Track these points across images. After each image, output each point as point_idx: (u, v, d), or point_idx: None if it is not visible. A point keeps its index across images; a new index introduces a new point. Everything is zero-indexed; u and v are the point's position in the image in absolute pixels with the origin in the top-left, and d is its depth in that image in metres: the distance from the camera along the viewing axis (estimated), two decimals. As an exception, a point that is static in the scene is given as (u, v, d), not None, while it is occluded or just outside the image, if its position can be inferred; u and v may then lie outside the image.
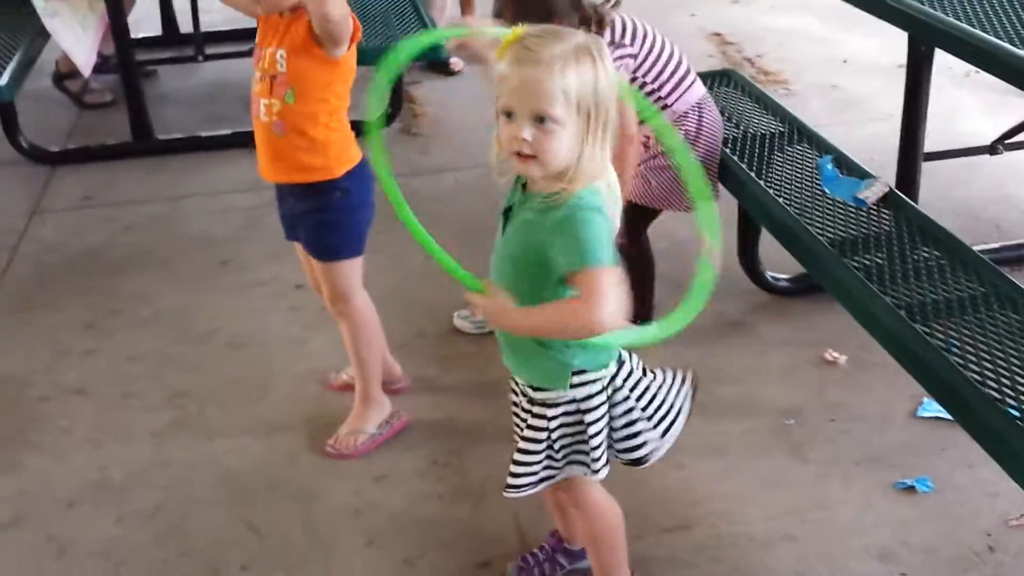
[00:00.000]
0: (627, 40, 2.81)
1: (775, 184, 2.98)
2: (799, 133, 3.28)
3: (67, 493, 2.62)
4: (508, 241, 1.83)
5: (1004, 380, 2.08)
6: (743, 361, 3.04)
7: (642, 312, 3.09)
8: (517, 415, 1.97)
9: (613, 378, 1.89)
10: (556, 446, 1.91)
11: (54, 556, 2.42)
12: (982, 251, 2.63)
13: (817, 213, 2.82)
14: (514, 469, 1.93)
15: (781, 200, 2.88)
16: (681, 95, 2.89)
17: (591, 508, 2.05)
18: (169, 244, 3.87)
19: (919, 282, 2.46)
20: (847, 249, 2.63)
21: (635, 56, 2.82)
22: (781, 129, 3.31)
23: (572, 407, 1.89)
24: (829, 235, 2.70)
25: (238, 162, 4.24)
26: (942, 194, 3.77)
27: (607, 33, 2.75)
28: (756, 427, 2.75)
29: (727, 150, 3.15)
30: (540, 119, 1.63)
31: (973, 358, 2.16)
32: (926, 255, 2.58)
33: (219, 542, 2.44)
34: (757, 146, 3.21)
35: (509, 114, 1.66)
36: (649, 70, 2.86)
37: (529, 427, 1.91)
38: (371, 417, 2.70)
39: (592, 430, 1.89)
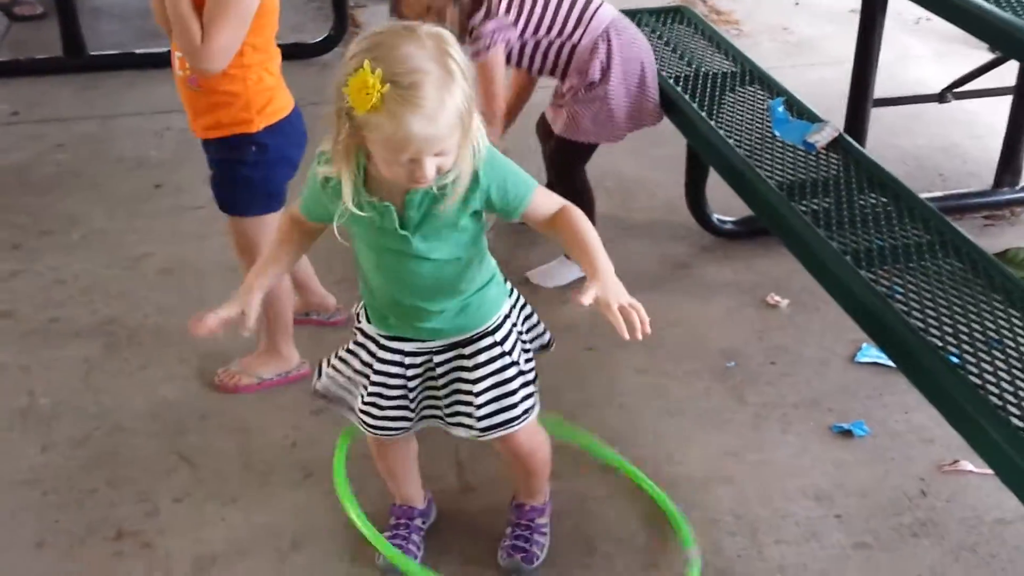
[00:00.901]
0: (503, 9, 2.76)
1: (725, 125, 2.95)
2: (751, 74, 3.25)
3: (-8, 419, 2.54)
4: (436, 249, 1.78)
5: (947, 327, 2.09)
6: (687, 303, 3.03)
7: None
8: (460, 377, 1.93)
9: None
10: (524, 367, 1.95)
11: (-23, 484, 2.35)
12: (926, 199, 2.63)
13: (767, 155, 2.80)
14: (512, 413, 1.92)
15: (731, 141, 2.85)
16: (586, 28, 2.84)
17: (540, 441, 2.07)
18: (101, 165, 3.74)
19: (866, 228, 2.46)
20: (795, 193, 2.61)
21: (516, 24, 2.78)
22: (733, 69, 3.28)
23: (509, 325, 1.93)
24: (778, 178, 2.68)
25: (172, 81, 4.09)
26: (888, 141, 3.79)
27: (483, 8, 2.72)
28: (697, 369, 2.75)
29: (678, 88, 3.10)
30: (438, 153, 1.62)
31: (917, 305, 2.17)
32: (873, 201, 2.58)
33: (151, 472, 2.38)
34: (708, 85, 3.17)
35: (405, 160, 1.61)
36: (539, 26, 2.81)
37: (494, 371, 1.90)
38: (270, 366, 2.65)
39: (527, 338, 1.99)
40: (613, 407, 2.59)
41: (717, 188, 3.15)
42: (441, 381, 1.93)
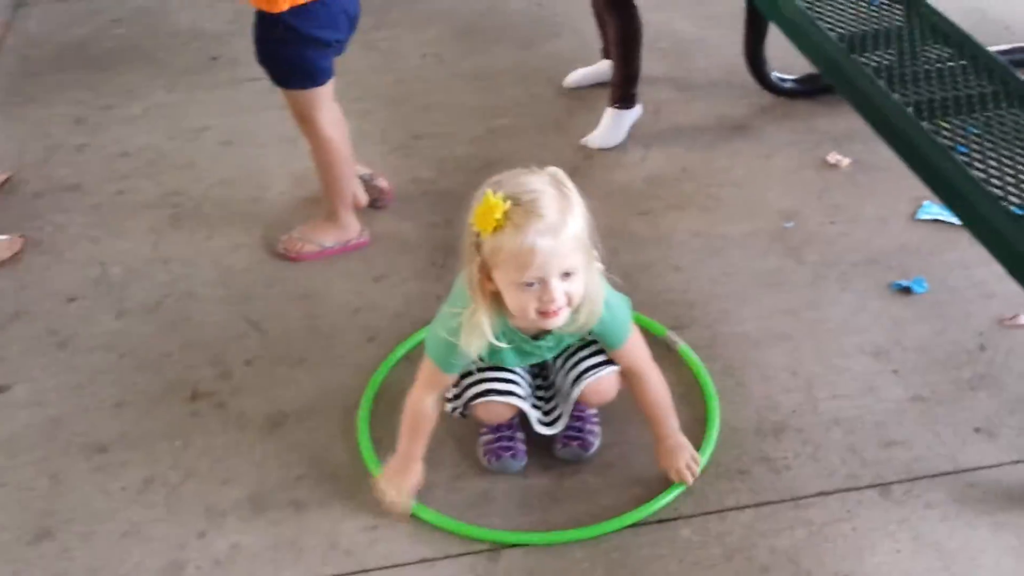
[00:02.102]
0: None
1: (786, -22, 2.86)
2: (813, -76, 3.12)
3: (67, 288, 2.63)
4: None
5: (1009, 179, 2.05)
6: (746, 163, 3.00)
7: (623, 83, 3.04)
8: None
9: None
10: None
11: (56, 348, 2.45)
12: (994, 52, 2.55)
13: (827, 8, 2.72)
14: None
15: (792, -6, 2.77)
16: None
17: None
18: (157, 38, 3.76)
19: (928, 80, 2.40)
20: (856, 46, 2.55)
21: None
22: (794, -81, 3.15)
23: None
24: (839, 31, 2.61)
25: (225, -47, 4.06)
26: (955, -8, 3.64)
27: None
28: (756, 229, 2.74)
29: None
30: (566, 274, 1.71)
31: (979, 156, 2.13)
32: (936, 53, 2.51)
33: (221, 337, 2.47)
34: (768, -63, 3.06)
35: (531, 280, 1.70)
36: None
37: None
38: (330, 234, 2.69)
39: None
40: (669, 269, 2.61)
41: (776, 46, 3.08)
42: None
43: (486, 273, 1.75)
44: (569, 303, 1.75)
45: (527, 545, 1.95)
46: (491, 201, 1.66)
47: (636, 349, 1.99)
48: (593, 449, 2.10)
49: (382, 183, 2.87)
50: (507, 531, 1.97)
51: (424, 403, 1.97)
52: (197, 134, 3.21)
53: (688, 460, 2.01)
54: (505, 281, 1.73)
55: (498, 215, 1.66)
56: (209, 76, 3.51)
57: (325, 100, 2.49)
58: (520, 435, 2.11)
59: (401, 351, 2.35)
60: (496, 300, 1.80)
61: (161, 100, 3.37)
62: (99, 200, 2.96)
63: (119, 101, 3.38)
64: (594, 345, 2.02)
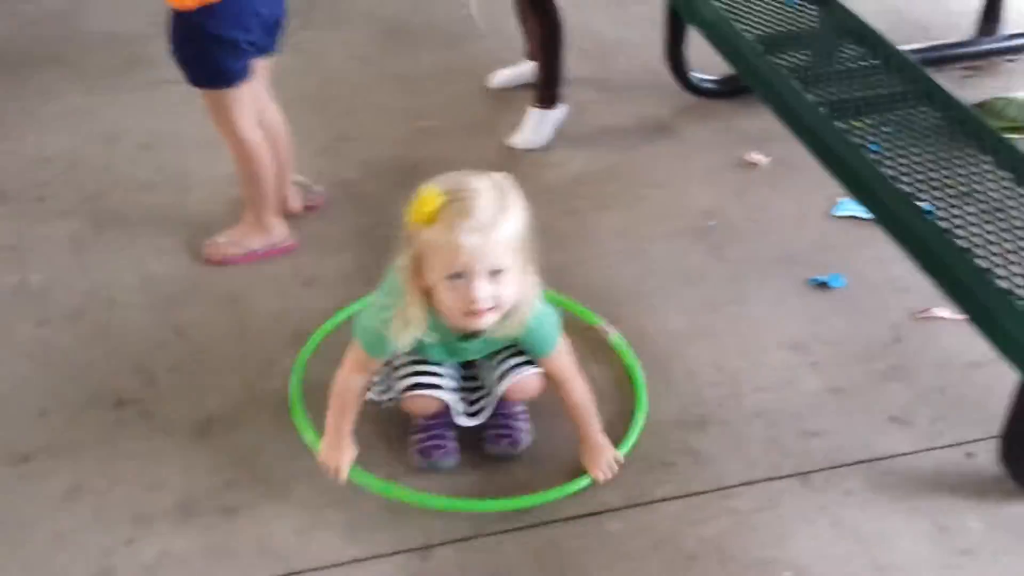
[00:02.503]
0: None
1: (703, -21, 2.92)
2: (729, -73, 3.19)
3: (-15, 297, 2.58)
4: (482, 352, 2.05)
5: (918, 176, 2.13)
6: (667, 163, 3.06)
7: (547, 84, 3.07)
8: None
9: None
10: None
11: (-24, 358, 2.40)
12: (907, 51, 2.63)
13: (744, 9, 2.78)
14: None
15: (709, -4, 2.83)
16: None
17: None
18: (74, 40, 3.69)
19: (842, 81, 2.47)
20: (773, 47, 2.61)
21: None
22: (711, -78, 3.21)
23: None
24: (756, 32, 2.67)
25: (143, -46, 4.00)
26: (869, -6, 3.75)
27: None
28: (678, 228, 2.79)
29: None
30: (494, 273, 1.73)
31: (889, 155, 2.20)
32: (851, 53, 2.58)
33: (145, 344, 2.44)
34: (686, -60, 3.12)
35: (457, 275, 1.73)
36: None
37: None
38: (256, 237, 2.67)
39: None
40: (595, 268, 2.65)
41: (696, 47, 3.14)
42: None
43: (419, 267, 1.77)
44: (497, 306, 1.77)
45: (453, 511, 2.00)
46: (426, 195, 1.71)
47: (561, 358, 2.03)
48: (523, 445, 2.12)
49: (318, 189, 2.87)
50: (436, 495, 2.01)
51: (352, 383, 2.01)
52: (116, 137, 3.17)
53: (609, 460, 2.06)
54: (434, 277, 1.76)
55: (430, 209, 1.70)
56: (127, 78, 3.46)
57: (241, 102, 2.48)
58: (451, 433, 2.12)
59: (319, 336, 2.37)
60: (428, 296, 1.82)
61: (79, 103, 3.32)
62: (17, 207, 2.90)
63: (35, 105, 3.32)
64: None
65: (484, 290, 1.74)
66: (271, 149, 2.61)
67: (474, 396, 2.12)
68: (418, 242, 1.74)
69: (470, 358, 2.06)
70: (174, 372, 2.36)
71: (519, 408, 2.15)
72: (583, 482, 2.04)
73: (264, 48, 2.48)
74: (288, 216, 2.75)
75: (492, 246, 1.70)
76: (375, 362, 1.99)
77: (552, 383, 2.06)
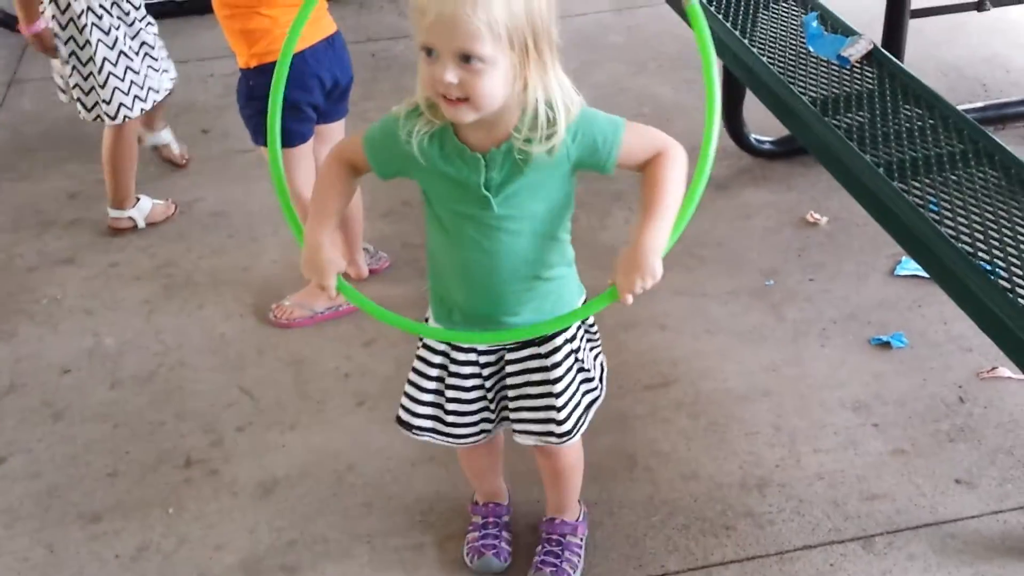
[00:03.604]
0: None
1: (759, 43, 2.95)
2: (784, -9, 3.23)
3: (61, 360, 2.67)
4: (518, 217, 1.61)
5: (978, 235, 2.11)
6: (726, 224, 3.07)
7: None
8: (532, 380, 1.79)
9: None
10: (590, 372, 1.84)
11: (51, 419, 2.49)
12: (966, 110, 2.63)
13: (801, 72, 2.80)
14: (564, 414, 1.79)
15: (765, 59, 2.85)
16: None
17: (581, 454, 1.98)
18: (150, 113, 3.83)
19: (900, 141, 2.47)
20: (830, 108, 2.62)
21: None
22: (766, -14, 3.26)
23: (578, 323, 1.80)
24: (812, 94, 2.69)
25: (218, 27, 4.16)
26: (928, 53, 3.75)
27: None
28: (737, 288, 2.80)
29: (711, 7, 3.10)
30: (465, 58, 1.42)
31: (949, 215, 2.19)
32: (908, 113, 2.58)
33: (214, 405, 2.50)
34: (741, 3, 3.16)
35: (429, 51, 1.43)
36: None
37: (571, 373, 1.78)
38: (321, 300, 2.73)
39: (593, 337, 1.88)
40: (653, 327, 2.66)
41: (754, 108, 3.16)
42: (511, 381, 1.80)
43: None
44: (470, 100, 1.45)
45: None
46: None
47: (638, 136, 1.59)
48: None
49: (382, 254, 2.95)
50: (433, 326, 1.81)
51: (332, 168, 1.67)
52: (189, 206, 3.28)
53: (643, 282, 1.53)
54: (416, 48, 1.47)
55: None
56: (201, 148, 3.58)
57: (300, 162, 2.55)
58: (506, 534, 2.07)
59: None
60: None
61: (152, 172, 3.44)
62: (93, 272, 3.01)
63: (112, 174, 3.45)
64: (542, 387, 1.77)
65: (449, 73, 1.41)
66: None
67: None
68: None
69: (484, 194, 1.58)
70: (241, 432, 2.42)
71: (576, 540, 2.04)
72: (603, 302, 1.59)
73: (327, 113, 2.56)
74: (356, 283, 2.81)
75: (464, 22, 1.38)
76: (363, 157, 1.64)
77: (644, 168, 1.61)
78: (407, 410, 1.86)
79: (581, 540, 2.05)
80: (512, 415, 1.83)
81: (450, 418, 1.84)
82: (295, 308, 2.75)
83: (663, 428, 2.33)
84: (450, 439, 1.86)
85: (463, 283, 1.70)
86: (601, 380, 1.88)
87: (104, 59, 2.89)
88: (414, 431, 1.86)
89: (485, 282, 1.67)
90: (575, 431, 1.81)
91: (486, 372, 1.81)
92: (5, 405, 2.54)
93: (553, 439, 1.81)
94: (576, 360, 1.79)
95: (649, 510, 2.15)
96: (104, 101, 2.94)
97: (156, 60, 3.07)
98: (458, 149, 1.56)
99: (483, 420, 1.85)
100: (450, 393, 1.82)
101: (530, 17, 1.43)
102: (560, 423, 1.79)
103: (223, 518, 2.19)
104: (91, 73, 2.91)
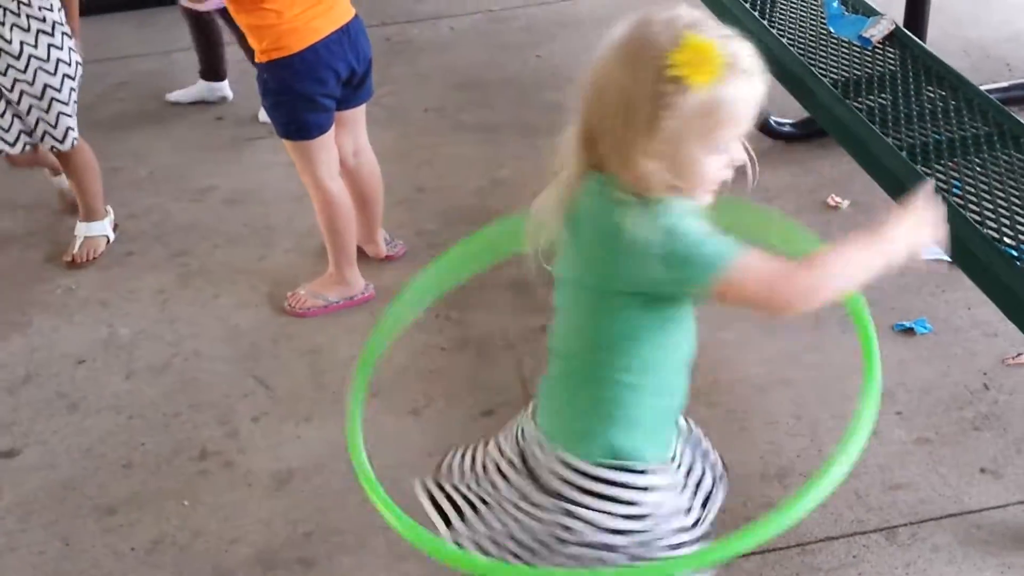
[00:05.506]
0: None
1: (779, 24, 2.91)
2: (804, -30, 3.17)
3: (76, 350, 2.67)
4: None
5: (1004, 220, 2.07)
6: (744, 207, 3.02)
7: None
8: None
9: None
10: None
11: (67, 410, 2.48)
12: (990, 90, 2.58)
13: (821, 53, 2.76)
14: None
15: (784, 40, 2.81)
16: None
17: None
18: (161, 100, 3.82)
19: (922, 123, 2.42)
20: (851, 90, 2.58)
21: None
22: (786, -34, 3.20)
23: None
24: (833, 76, 2.64)
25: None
26: (951, 32, 3.69)
27: None
28: (756, 273, 2.75)
29: (731, -10, 3.05)
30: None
31: (974, 198, 2.15)
32: (931, 95, 2.54)
33: (229, 395, 2.49)
34: (761, -15, 3.11)
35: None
36: None
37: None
38: (335, 289, 2.72)
39: None
40: (672, 315, 2.62)
41: (773, 90, 3.11)
42: None
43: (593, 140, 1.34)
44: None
45: None
46: (699, 42, 1.26)
47: (745, 280, 1.37)
48: None
49: (398, 241, 2.93)
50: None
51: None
52: (203, 194, 3.26)
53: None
54: (692, 149, 1.29)
55: (705, 57, 1.26)
56: (215, 136, 3.56)
57: (320, 153, 2.53)
58: None
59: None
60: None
61: (167, 161, 3.43)
62: (107, 262, 3.00)
63: (125, 163, 3.44)
64: None
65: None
66: (363, 194, 2.70)
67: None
68: (685, 106, 1.24)
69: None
70: (256, 423, 2.40)
71: None
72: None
73: (347, 100, 2.54)
74: (373, 262, 2.79)
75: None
76: None
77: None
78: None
79: None
80: None
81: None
82: (309, 297, 2.73)
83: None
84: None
85: (687, 373, 1.52)
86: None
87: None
88: None
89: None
90: None
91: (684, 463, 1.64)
92: (20, 396, 2.53)
93: None
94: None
95: (668, 501, 2.12)
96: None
97: None
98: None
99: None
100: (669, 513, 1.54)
101: None
102: None
103: (238, 510, 2.18)
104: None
